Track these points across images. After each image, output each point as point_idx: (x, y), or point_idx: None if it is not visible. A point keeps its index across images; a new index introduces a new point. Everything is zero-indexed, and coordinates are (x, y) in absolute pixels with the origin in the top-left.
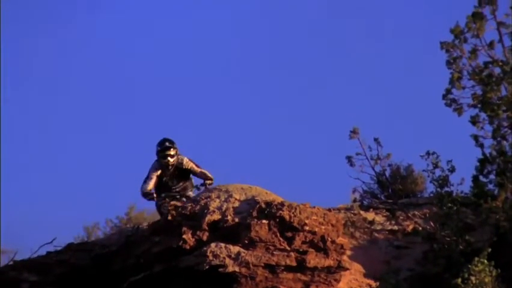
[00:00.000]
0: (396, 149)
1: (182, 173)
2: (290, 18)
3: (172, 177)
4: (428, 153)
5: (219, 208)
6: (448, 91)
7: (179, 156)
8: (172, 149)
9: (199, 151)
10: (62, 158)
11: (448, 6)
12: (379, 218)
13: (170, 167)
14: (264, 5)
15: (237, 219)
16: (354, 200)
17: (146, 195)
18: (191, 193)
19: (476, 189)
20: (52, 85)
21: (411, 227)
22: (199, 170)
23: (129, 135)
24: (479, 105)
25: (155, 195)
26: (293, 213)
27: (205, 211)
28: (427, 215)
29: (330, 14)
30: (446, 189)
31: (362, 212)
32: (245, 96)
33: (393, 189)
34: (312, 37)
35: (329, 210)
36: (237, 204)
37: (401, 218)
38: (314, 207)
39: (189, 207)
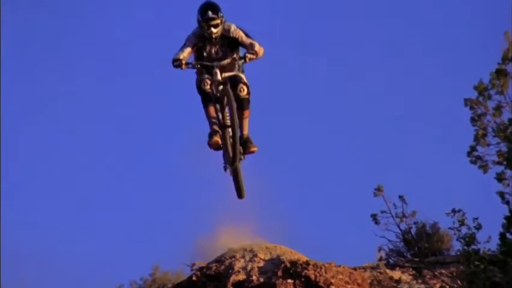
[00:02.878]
0: (422, 207)
1: (229, 42)
2: None
3: (217, 48)
4: (453, 211)
5: (244, 268)
6: (473, 148)
7: (225, 24)
8: (216, 19)
9: None
10: (83, 218)
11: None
12: (406, 277)
13: (214, 39)
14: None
15: (262, 279)
16: (380, 259)
17: (173, 61)
18: (239, 72)
19: (504, 247)
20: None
21: (438, 285)
22: (249, 40)
23: (153, 196)
24: (504, 163)
25: (183, 61)
26: (319, 272)
27: (230, 271)
28: (454, 273)
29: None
30: (473, 247)
31: (388, 271)
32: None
33: (419, 247)
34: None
35: (355, 269)
36: (261, 263)
37: (428, 276)
38: (340, 266)
39: (214, 267)
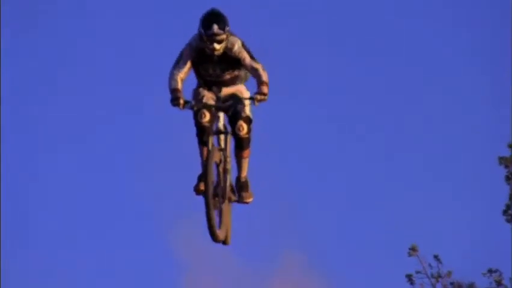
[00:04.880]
0: (458, 266)
1: (231, 59)
2: None
3: (215, 64)
4: (490, 271)
5: None
6: (508, 207)
7: (230, 38)
8: (222, 34)
9: None
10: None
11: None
12: None
13: (215, 55)
14: None
15: None
16: None
17: (172, 94)
18: (242, 88)
19: None
20: None
21: None
22: (252, 64)
23: None
24: None
25: (181, 101)
26: None
27: None
28: None
29: None
30: None
31: None
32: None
33: None
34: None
35: None
36: None
37: None
38: None
39: None
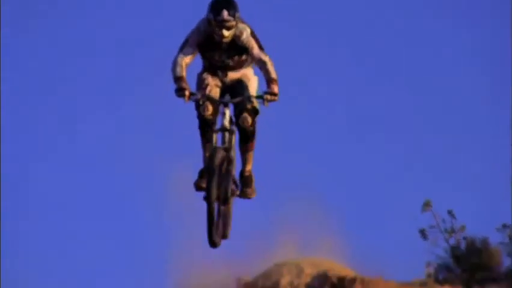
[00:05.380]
0: (471, 222)
1: (239, 47)
2: None
3: (223, 51)
4: (504, 226)
5: (290, 283)
6: None
7: (239, 25)
8: (231, 21)
9: None
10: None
11: None
12: None
13: (224, 42)
14: None
15: None
16: (429, 275)
17: (177, 83)
18: (249, 71)
19: None
20: None
21: None
22: (259, 55)
23: None
24: None
25: (187, 93)
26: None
27: (277, 287)
28: None
29: None
30: None
31: (437, 287)
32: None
33: (469, 263)
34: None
35: (403, 284)
36: (308, 279)
37: None
38: (388, 281)
39: (260, 282)
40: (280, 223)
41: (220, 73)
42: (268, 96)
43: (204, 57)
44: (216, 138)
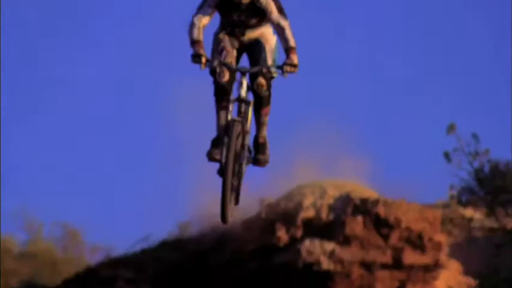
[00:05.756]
0: (495, 145)
1: (258, 9)
2: None
3: (241, 11)
4: None
5: (313, 205)
6: None
7: None
8: None
9: None
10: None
11: None
12: (478, 215)
13: (243, 3)
14: None
15: (331, 216)
16: (452, 197)
17: (193, 47)
18: (268, 30)
19: None
20: None
21: (511, 224)
22: (279, 19)
23: None
24: None
25: (203, 60)
26: (389, 209)
27: (299, 208)
28: None
29: None
30: None
31: (460, 209)
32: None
33: (492, 185)
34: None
35: (426, 206)
36: (331, 200)
37: (501, 215)
38: (410, 203)
39: (283, 204)
40: (303, 144)
41: (238, 31)
42: (288, 68)
43: (222, 15)
44: (232, 107)
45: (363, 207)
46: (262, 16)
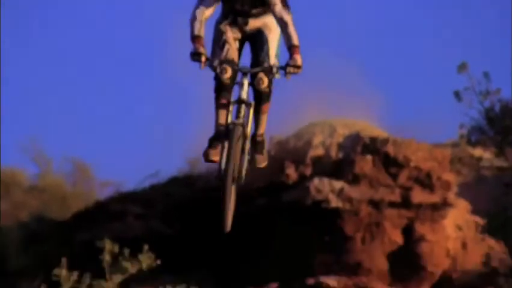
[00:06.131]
0: (506, 84)
1: (261, 0)
2: None
3: (244, 1)
4: None
5: (323, 143)
6: None
7: None
8: None
9: None
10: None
11: None
12: (487, 155)
13: None
14: None
15: (340, 155)
16: (462, 136)
17: (194, 43)
18: (271, 20)
19: None
20: None
21: None
22: (282, 13)
23: None
24: None
25: (203, 59)
26: (398, 148)
27: (308, 146)
28: None
29: None
30: None
31: (469, 149)
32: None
33: (502, 125)
34: None
35: (435, 146)
36: (340, 139)
37: (510, 154)
38: (420, 143)
39: (292, 142)
40: (314, 82)
41: (240, 20)
42: (291, 69)
43: (224, 3)
44: (232, 107)
45: (373, 146)
46: (265, 5)
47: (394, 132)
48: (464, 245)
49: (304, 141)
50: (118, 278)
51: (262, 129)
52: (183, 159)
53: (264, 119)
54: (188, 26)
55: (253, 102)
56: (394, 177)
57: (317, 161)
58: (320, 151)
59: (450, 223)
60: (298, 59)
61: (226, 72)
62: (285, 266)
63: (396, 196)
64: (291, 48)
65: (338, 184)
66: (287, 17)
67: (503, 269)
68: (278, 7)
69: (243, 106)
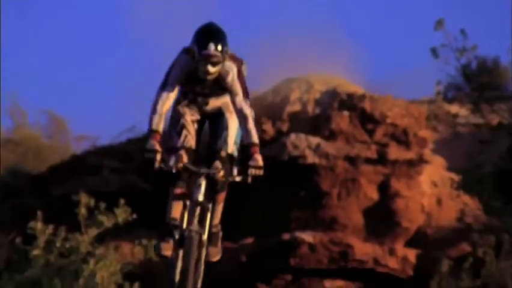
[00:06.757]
0: (483, 41)
1: (223, 86)
2: None
3: (205, 85)
4: None
5: (300, 99)
6: None
7: (226, 64)
8: (219, 56)
9: None
10: None
11: None
12: (463, 111)
13: (208, 78)
14: None
15: (317, 111)
16: (438, 93)
17: (150, 139)
18: (232, 123)
19: None
20: None
21: (496, 120)
22: (242, 105)
23: None
24: None
25: (158, 157)
26: (375, 105)
27: (286, 102)
28: None
29: None
30: None
31: (445, 105)
32: None
33: (478, 82)
34: None
35: (412, 102)
36: (318, 95)
37: (486, 111)
38: (396, 99)
39: (269, 98)
40: (291, 38)
41: (200, 99)
42: (253, 171)
43: (185, 86)
44: (188, 203)
45: (350, 102)
46: (226, 91)
47: (371, 88)
48: (439, 201)
49: (282, 97)
50: (93, 231)
51: (217, 220)
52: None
53: (219, 209)
54: (148, 116)
55: (210, 206)
56: (370, 133)
57: (294, 116)
58: (297, 107)
59: (425, 179)
60: (260, 159)
61: (182, 160)
62: (260, 222)
63: (372, 152)
64: (251, 146)
65: (315, 140)
66: (247, 111)
67: (477, 225)
68: (239, 98)
69: (199, 209)
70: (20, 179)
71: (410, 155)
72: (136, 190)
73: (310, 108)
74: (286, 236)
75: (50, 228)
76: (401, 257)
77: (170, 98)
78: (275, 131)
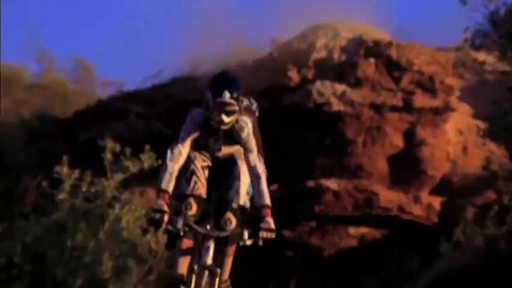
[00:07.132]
0: None
1: (234, 139)
2: None
3: (218, 138)
4: None
5: (326, 46)
6: None
7: (241, 119)
8: (234, 105)
9: None
10: None
11: None
12: (490, 59)
13: (222, 128)
14: None
15: (343, 58)
16: (465, 40)
17: (158, 199)
18: (242, 183)
19: None
20: None
21: None
22: (256, 163)
23: None
24: None
25: (165, 219)
26: (401, 52)
27: (311, 49)
28: None
29: None
30: None
31: (472, 53)
32: None
33: (506, 29)
34: None
35: (439, 50)
36: (344, 42)
37: None
38: (423, 46)
39: (295, 44)
40: None
41: (213, 143)
42: (265, 234)
43: (199, 139)
44: (197, 260)
45: (376, 50)
46: (240, 145)
47: (397, 36)
48: (464, 149)
49: (307, 44)
50: (119, 176)
51: (226, 275)
52: (184, 60)
53: (229, 262)
54: (161, 171)
55: (219, 271)
56: (396, 81)
57: (320, 64)
58: (322, 54)
59: (451, 127)
60: (271, 222)
61: (191, 209)
62: (285, 169)
63: (398, 100)
64: (262, 208)
65: (340, 87)
66: (260, 169)
67: (503, 172)
68: (253, 155)
69: (207, 273)
70: (46, 124)
71: (436, 102)
72: (160, 136)
73: (336, 55)
74: (311, 183)
75: (76, 173)
76: (425, 204)
77: (183, 154)
78: (300, 78)
